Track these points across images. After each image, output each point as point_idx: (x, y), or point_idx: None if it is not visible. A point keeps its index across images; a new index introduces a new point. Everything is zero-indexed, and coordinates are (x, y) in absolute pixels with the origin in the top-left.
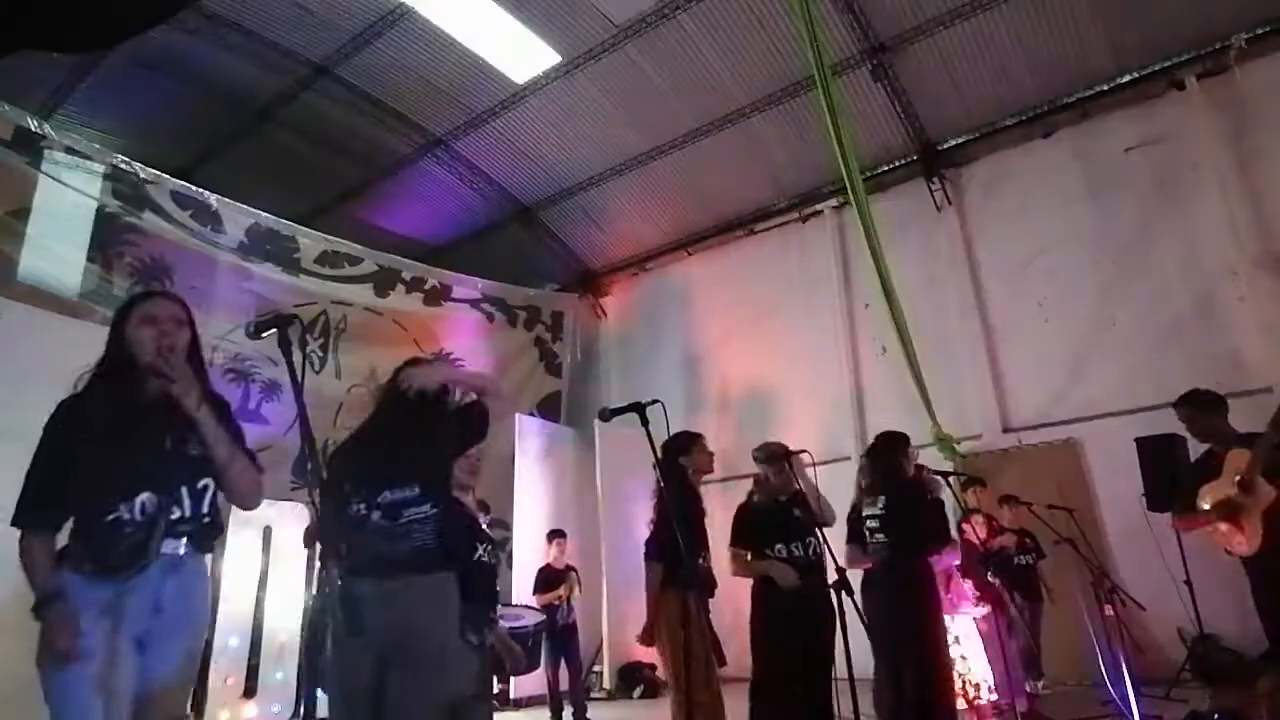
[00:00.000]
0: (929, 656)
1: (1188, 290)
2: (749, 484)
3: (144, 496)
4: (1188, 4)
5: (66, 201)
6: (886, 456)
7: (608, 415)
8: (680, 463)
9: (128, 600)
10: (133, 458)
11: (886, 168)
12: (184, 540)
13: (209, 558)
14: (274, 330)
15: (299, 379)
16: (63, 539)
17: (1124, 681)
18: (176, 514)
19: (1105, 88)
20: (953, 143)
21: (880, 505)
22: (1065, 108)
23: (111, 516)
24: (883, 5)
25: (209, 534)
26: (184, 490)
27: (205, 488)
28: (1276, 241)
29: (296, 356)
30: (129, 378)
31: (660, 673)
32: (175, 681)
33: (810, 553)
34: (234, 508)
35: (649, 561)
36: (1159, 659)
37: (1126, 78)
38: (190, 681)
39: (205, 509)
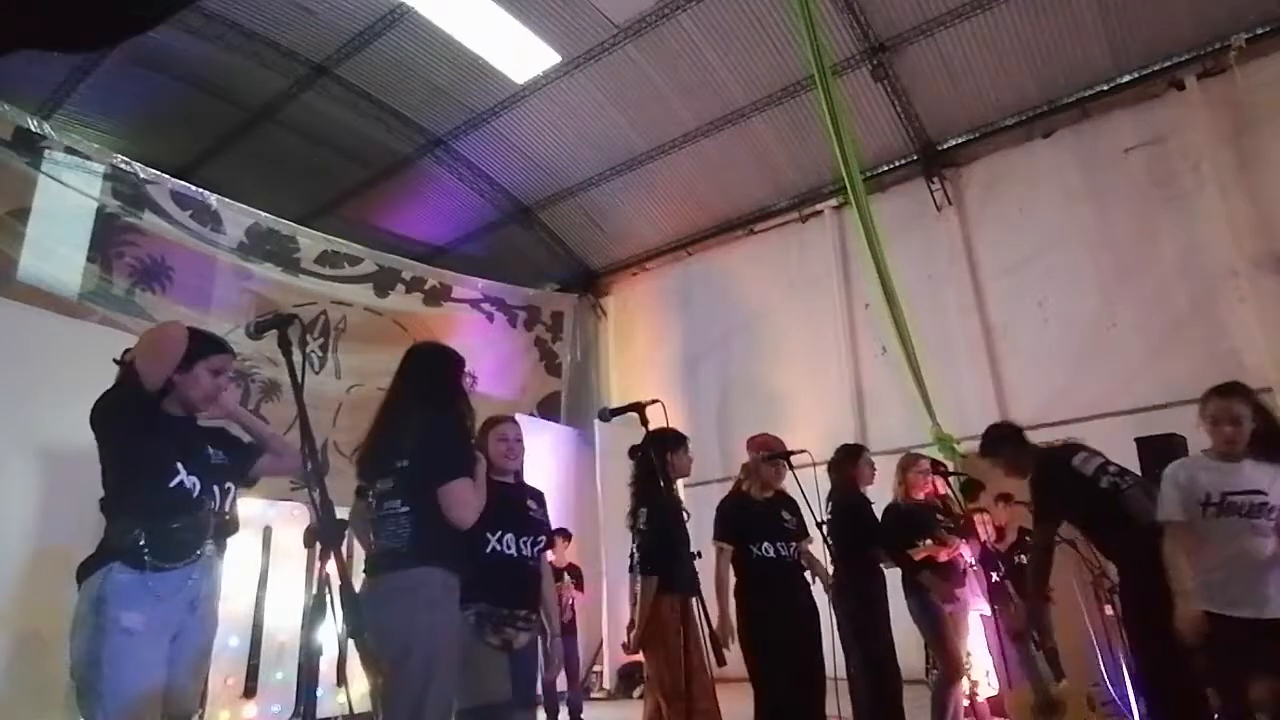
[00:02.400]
0: (858, 658)
1: (1188, 290)
2: None
3: (192, 478)
4: (1188, 4)
5: (66, 201)
6: (837, 469)
7: (608, 415)
8: (669, 459)
9: (173, 596)
10: (180, 443)
11: (886, 168)
12: (211, 540)
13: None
14: (274, 330)
15: (299, 379)
16: (95, 535)
17: (1124, 681)
18: (212, 505)
19: (1105, 88)
20: (953, 143)
21: (829, 512)
22: (1065, 108)
23: (175, 481)
24: (883, 5)
25: (227, 533)
26: (215, 488)
27: (229, 490)
28: (1276, 241)
29: (296, 356)
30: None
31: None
32: (195, 679)
33: (793, 553)
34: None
35: (645, 576)
36: None
37: (1126, 78)
38: (204, 678)
39: (229, 508)
